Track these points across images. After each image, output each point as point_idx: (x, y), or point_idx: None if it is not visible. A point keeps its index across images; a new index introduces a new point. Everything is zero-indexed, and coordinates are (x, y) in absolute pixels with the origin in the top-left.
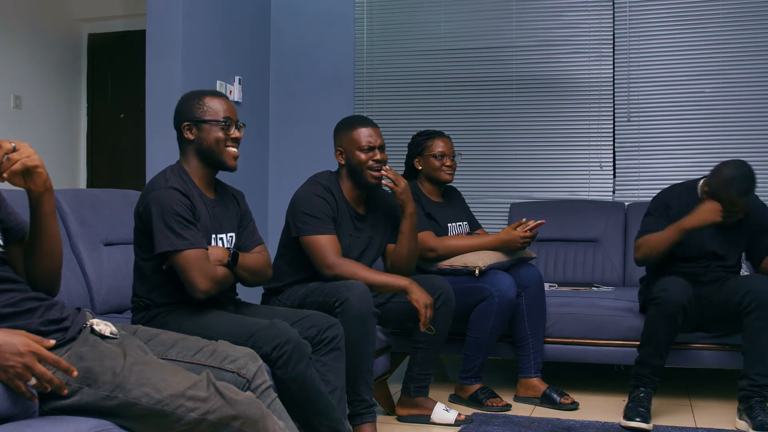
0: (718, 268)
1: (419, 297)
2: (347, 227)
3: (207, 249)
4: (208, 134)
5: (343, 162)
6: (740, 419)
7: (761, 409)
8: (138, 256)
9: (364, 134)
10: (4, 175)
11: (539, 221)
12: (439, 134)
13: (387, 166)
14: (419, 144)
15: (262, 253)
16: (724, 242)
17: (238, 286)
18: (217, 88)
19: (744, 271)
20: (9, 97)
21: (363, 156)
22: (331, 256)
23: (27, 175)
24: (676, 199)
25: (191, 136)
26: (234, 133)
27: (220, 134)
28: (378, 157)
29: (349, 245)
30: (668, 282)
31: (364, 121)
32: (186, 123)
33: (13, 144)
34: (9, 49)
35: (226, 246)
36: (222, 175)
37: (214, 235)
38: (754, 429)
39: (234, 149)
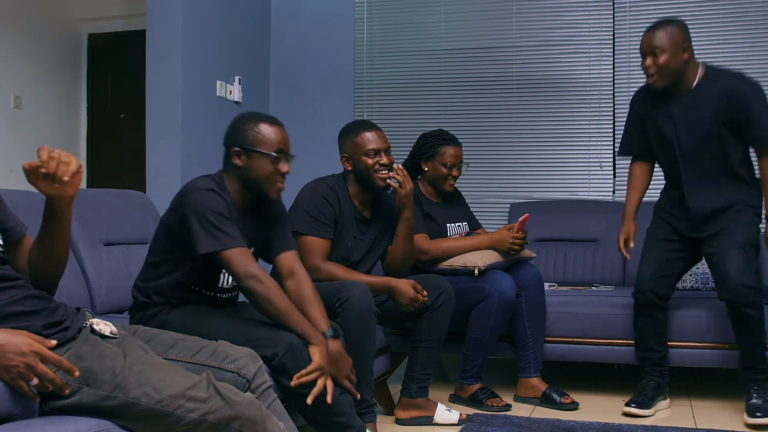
0: None
1: (404, 293)
2: (351, 229)
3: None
4: (257, 165)
5: (349, 168)
6: None
7: None
8: (153, 254)
9: (368, 139)
10: (66, 177)
11: (521, 217)
12: (453, 142)
13: (399, 166)
14: (432, 147)
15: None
16: None
17: None
18: (217, 88)
19: None
20: (9, 97)
21: (369, 161)
22: (316, 259)
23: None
24: None
25: (239, 163)
26: (284, 167)
27: (270, 168)
28: (384, 160)
29: (352, 247)
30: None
31: (368, 126)
32: (236, 148)
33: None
34: (9, 49)
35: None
36: None
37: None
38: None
39: (281, 183)
